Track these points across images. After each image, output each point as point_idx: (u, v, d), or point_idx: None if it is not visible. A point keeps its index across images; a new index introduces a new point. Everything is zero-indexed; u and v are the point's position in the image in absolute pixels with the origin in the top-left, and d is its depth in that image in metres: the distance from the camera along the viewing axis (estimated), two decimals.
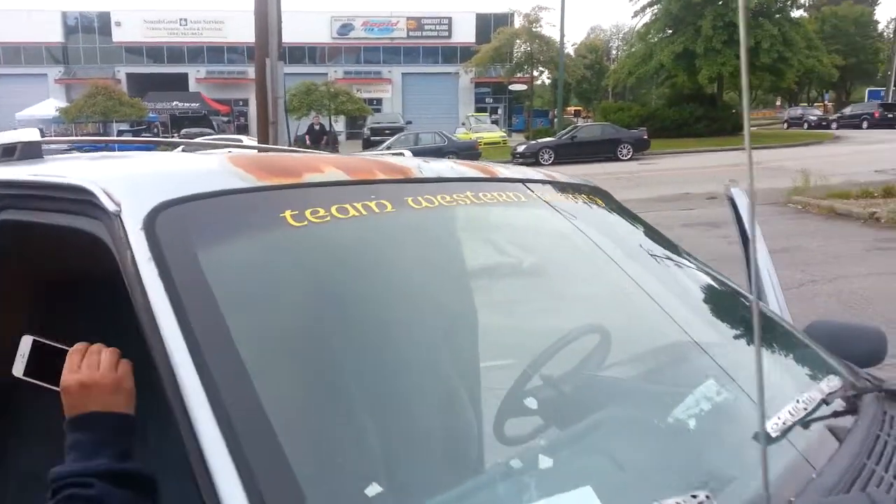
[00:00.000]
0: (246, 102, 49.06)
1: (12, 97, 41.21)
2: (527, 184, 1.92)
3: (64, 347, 1.27)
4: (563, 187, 2.07)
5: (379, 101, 49.60)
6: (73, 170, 1.47)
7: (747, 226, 2.71)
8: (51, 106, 37.11)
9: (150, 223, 1.20)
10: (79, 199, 1.30)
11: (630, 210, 2.26)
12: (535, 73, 40.15)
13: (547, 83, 51.82)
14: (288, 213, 1.34)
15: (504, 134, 37.69)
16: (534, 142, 26.50)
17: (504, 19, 47.60)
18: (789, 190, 13.53)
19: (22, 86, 45.08)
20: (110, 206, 1.22)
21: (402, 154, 2.50)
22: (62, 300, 1.95)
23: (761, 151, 25.48)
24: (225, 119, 43.17)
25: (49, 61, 50.38)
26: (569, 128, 28.16)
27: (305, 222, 1.34)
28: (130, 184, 1.31)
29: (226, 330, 1.08)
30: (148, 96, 38.83)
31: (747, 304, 1.90)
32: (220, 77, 50.43)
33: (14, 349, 1.33)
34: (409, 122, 38.25)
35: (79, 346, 1.19)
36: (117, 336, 1.33)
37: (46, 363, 1.30)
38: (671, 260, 2.03)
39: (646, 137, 25.39)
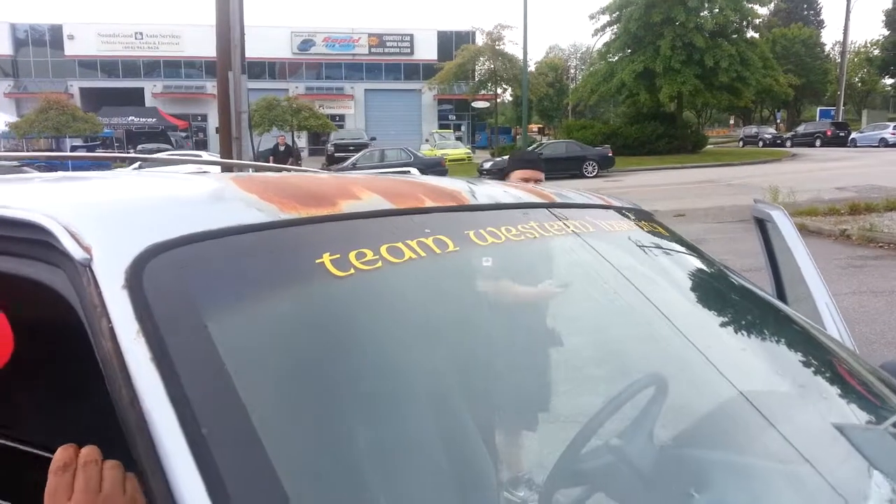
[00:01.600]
0: (204, 118, 48.10)
1: None
2: (586, 209, 1.60)
3: (37, 453, 0.88)
4: (623, 213, 1.76)
5: (342, 117, 49.13)
6: (23, 197, 1.09)
7: (791, 246, 2.43)
8: (0, 121, 35.71)
9: (136, 278, 0.83)
10: (29, 238, 0.92)
11: (684, 238, 1.96)
12: (499, 91, 40.18)
13: (508, 101, 52.03)
14: (327, 258, 0.98)
15: (469, 151, 37.59)
16: (500, 158, 26.37)
17: (465, 37, 47.69)
18: None
19: None
20: (76, 253, 0.85)
21: (408, 171, 2.16)
22: (12, 364, 1.54)
23: (723, 168, 25.84)
24: (183, 135, 42.15)
25: None
26: (534, 145, 28.15)
27: (351, 270, 0.99)
28: (105, 219, 0.93)
29: (260, 453, 0.71)
30: (102, 111, 37.63)
31: (826, 347, 1.61)
32: (178, 92, 49.33)
33: None
34: (373, 139, 37.86)
35: (64, 454, 0.80)
36: (86, 414, 0.95)
37: (7, 474, 0.90)
38: (738, 294, 1.74)
39: (610, 155, 25.50)
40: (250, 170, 3.18)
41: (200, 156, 23.95)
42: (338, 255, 0.99)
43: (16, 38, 49.50)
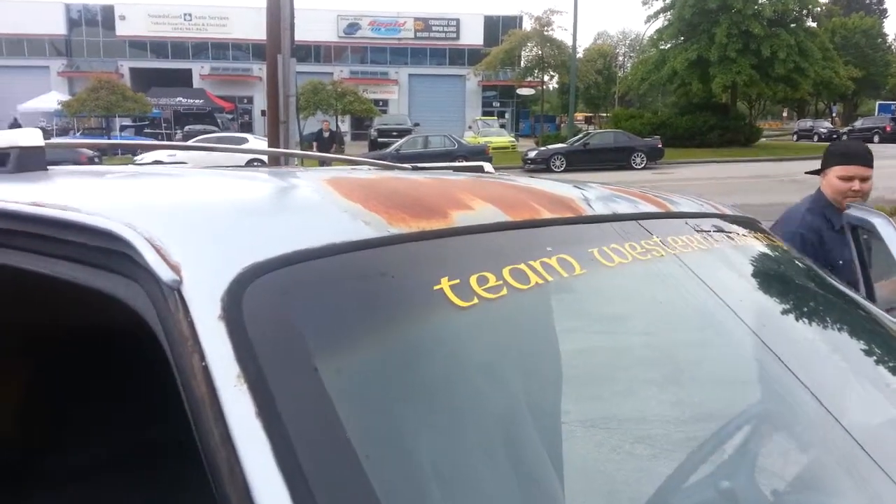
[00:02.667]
0: (250, 100, 48.53)
1: (15, 89, 40.61)
2: (701, 218, 1.42)
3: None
4: (734, 223, 1.58)
5: (385, 102, 49.03)
6: (93, 198, 0.95)
7: None
8: (53, 99, 36.48)
9: (235, 306, 0.69)
10: (104, 247, 0.78)
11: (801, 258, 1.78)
12: (546, 78, 39.58)
13: (554, 88, 51.29)
14: (447, 284, 0.82)
15: (513, 139, 37.16)
16: (544, 148, 25.99)
17: (512, 22, 47.06)
18: None
19: (25, 78, 44.50)
20: (163, 273, 0.70)
21: (481, 167, 1.99)
22: (66, 363, 1.43)
23: (778, 163, 25.02)
24: (229, 117, 42.52)
25: (52, 54, 49.78)
26: (580, 134, 27.67)
27: (475, 300, 0.82)
28: (196, 231, 0.79)
29: None
30: (151, 91, 38.13)
31: None
32: (225, 74, 49.82)
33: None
34: (416, 125, 37.67)
35: None
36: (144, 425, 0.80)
37: None
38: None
39: (660, 146, 24.89)
40: (290, 159, 3.02)
41: (246, 139, 24.10)
42: (457, 281, 0.83)
43: (69, 18, 50.50)
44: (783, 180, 18.95)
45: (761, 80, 30.98)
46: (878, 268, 2.51)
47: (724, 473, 1.12)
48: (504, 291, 0.85)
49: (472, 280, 0.84)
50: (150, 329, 0.74)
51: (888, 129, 37.19)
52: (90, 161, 17.41)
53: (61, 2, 49.76)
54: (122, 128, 32.22)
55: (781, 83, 31.57)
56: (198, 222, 0.82)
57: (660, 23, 34.92)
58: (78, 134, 31.31)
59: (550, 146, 26.18)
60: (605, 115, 51.95)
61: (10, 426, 1.37)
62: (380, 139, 33.10)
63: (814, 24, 34.34)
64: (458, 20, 51.74)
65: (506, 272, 0.88)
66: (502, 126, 43.04)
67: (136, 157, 20.16)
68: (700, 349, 1.21)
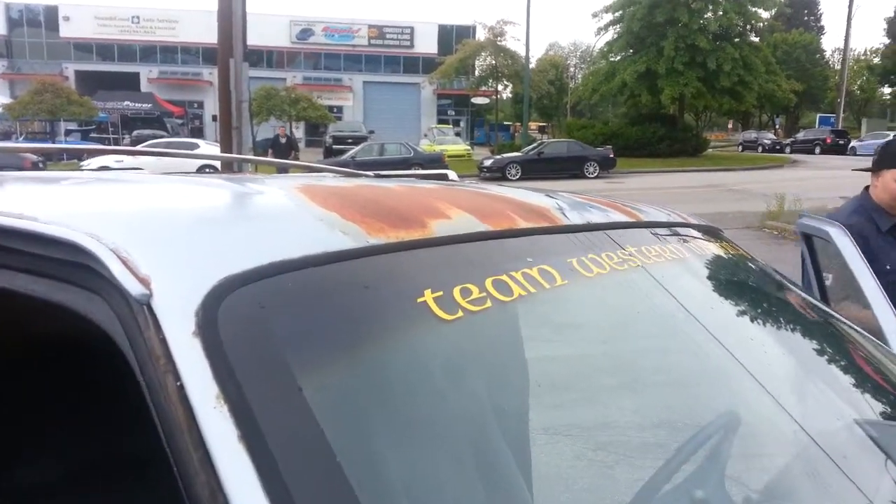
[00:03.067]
0: (201, 105, 47.65)
1: None
2: (669, 227, 1.43)
3: None
4: (701, 231, 1.59)
5: (339, 108, 48.73)
6: (50, 206, 0.90)
7: (852, 265, 2.26)
8: None
9: (209, 321, 0.65)
10: (65, 259, 0.73)
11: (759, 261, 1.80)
12: (500, 87, 39.92)
13: (508, 97, 51.76)
14: (430, 296, 0.80)
15: (468, 147, 37.33)
16: (500, 156, 26.15)
17: (466, 31, 47.37)
18: (763, 214, 13.44)
19: None
20: (131, 287, 0.66)
21: (445, 175, 1.98)
22: (29, 379, 1.36)
23: (724, 173, 25.71)
24: (179, 121, 41.64)
25: None
26: (535, 143, 27.96)
27: (459, 313, 0.80)
28: (166, 242, 0.75)
29: None
30: (98, 95, 37.03)
31: None
32: (174, 78, 48.80)
33: None
34: (371, 132, 37.53)
35: None
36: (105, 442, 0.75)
37: None
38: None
39: (612, 156, 25.32)
40: (244, 165, 2.94)
41: (197, 145, 23.61)
42: (441, 293, 0.81)
43: (10, 18, 48.81)
44: (731, 189, 19.51)
45: (708, 92, 31.84)
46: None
47: (696, 482, 1.12)
48: (488, 303, 0.83)
49: (456, 292, 0.82)
50: (114, 344, 0.70)
51: (828, 140, 38.66)
52: (34, 166, 16.74)
53: (1, 1, 48.07)
54: (68, 132, 31.23)
55: (727, 95, 32.49)
56: (166, 232, 0.78)
57: (610, 35, 35.61)
58: (21, 138, 30.20)
59: (506, 155, 26.37)
60: (557, 125, 52.63)
61: None
62: (335, 146, 32.84)
63: (756, 39, 35.49)
64: (412, 28, 51.84)
65: (488, 283, 0.86)
66: (457, 134, 43.25)
67: (82, 163, 19.49)
68: (679, 356, 1.21)
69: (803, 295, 1.71)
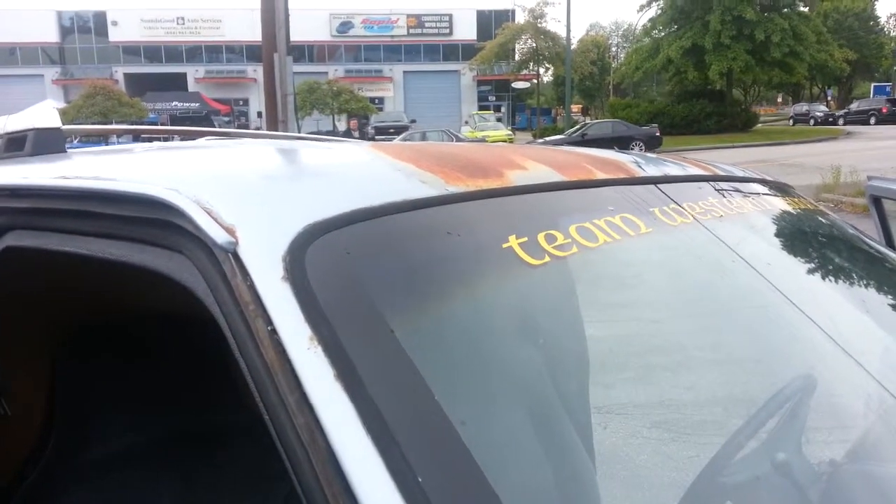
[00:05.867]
0: (246, 102, 48.43)
1: (11, 98, 40.45)
2: (746, 182, 1.37)
3: None
4: (775, 187, 1.54)
5: (381, 99, 48.93)
6: (127, 171, 0.90)
7: None
8: (49, 107, 36.31)
9: (297, 267, 0.63)
10: (144, 217, 0.72)
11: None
12: (541, 71, 39.50)
13: (548, 81, 51.17)
14: (515, 242, 0.77)
15: (509, 132, 37.10)
16: (543, 140, 25.94)
17: (505, 15, 46.93)
18: (818, 187, 13.00)
19: (19, 87, 44.36)
20: (216, 235, 0.65)
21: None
22: (103, 348, 1.38)
23: (774, 148, 24.97)
24: (226, 119, 42.43)
25: (45, 62, 49.61)
26: (578, 125, 27.63)
27: (546, 258, 0.77)
28: (248, 193, 0.73)
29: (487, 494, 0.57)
30: (147, 96, 38.03)
31: None
32: (219, 76, 49.70)
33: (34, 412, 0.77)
34: (413, 121, 37.59)
35: None
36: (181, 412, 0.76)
37: None
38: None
39: (658, 134, 24.84)
40: None
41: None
42: (525, 239, 0.78)
43: (62, 26, 50.32)
44: (783, 164, 18.92)
45: (757, 65, 30.89)
46: None
47: (774, 445, 1.08)
48: (574, 249, 0.81)
49: (541, 238, 0.80)
50: (188, 309, 0.69)
51: (884, 110, 37.12)
52: None
53: (52, 9, 49.55)
54: (120, 134, 32.09)
55: (777, 68, 31.47)
56: (247, 185, 0.77)
57: (652, 11, 34.84)
58: (75, 141, 31.23)
59: (549, 138, 26.13)
60: (600, 105, 51.83)
61: (41, 416, 1.32)
62: (377, 137, 33.02)
63: (806, 9, 34.23)
64: (450, 15, 51.62)
65: (572, 230, 0.84)
66: (499, 120, 42.97)
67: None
68: (759, 311, 1.16)
69: (886, 252, 1.64)
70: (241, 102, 49.08)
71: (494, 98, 52.02)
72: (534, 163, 0.98)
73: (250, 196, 0.74)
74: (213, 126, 36.62)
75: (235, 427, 1.44)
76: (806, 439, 1.11)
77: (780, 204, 1.44)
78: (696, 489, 0.91)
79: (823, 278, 1.39)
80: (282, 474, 0.59)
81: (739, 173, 1.47)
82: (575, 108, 51.82)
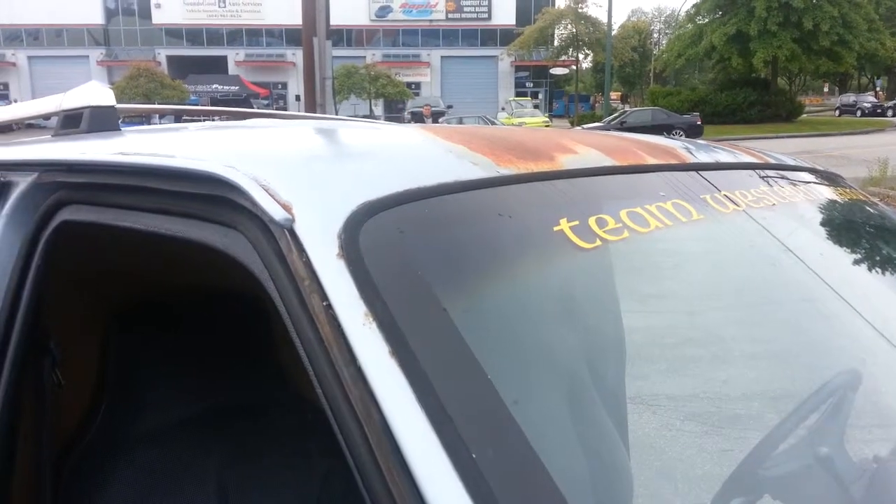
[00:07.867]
0: (284, 86, 48.82)
1: (55, 79, 41.41)
2: (796, 171, 1.34)
3: None
4: (824, 177, 1.51)
5: (418, 84, 48.88)
6: (183, 148, 0.92)
7: None
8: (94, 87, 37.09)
9: (352, 244, 0.64)
10: (206, 194, 0.74)
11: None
12: (580, 57, 38.99)
13: (587, 67, 50.50)
14: (566, 225, 0.77)
15: (547, 119, 36.79)
16: (579, 128, 25.69)
17: (544, 1, 46.41)
18: (864, 180, 12.65)
19: (65, 68, 45.41)
20: (274, 212, 0.66)
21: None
22: (154, 322, 1.42)
23: (819, 139, 24.34)
24: (265, 102, 42.89)
25: (90, 43, 50.61)
26: (617, 113, 27.28)
27: (597, 242, 0.77)
28: (303, 170, 0.75)
29: (542, 473, 0.57)
30: (189, 79, 38.61)
31: None
32: (259, 60, 50.16)
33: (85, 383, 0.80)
34: (449, 107, 37.52)
35: None
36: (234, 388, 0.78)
37: None
38: None
39: (699, 123, 24.40)
40: None
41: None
42: (577, 222, 0.78)
43: (106, 8, 51.24)
44: (828, 155, 18.43)
45: (803, 53, 30.02)
46: None
47: (817, 440, 1.06)
48: (626, 234, 0.80)
49: (592, 222, 0.79)
50: (241, 285, 0.71)
51: None
52: None
53: None
54: (162, 115, 32.67)
55: (824, 56, 30.55)
56: (303, 163, 0.78)
57: None
58: (119, 122, 31.89)
59: (586, 125, 25.86)
60: (640, 93, 51.00)
61: (92, 388, 1.37)
62: (413, 122, 33.05)
63: None
64: (489, 0, 51.22)
65: (623, 215, 0.83)
66: (536, 106, 42.60)
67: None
68: (808, 301, 1.14)
69: None
70: (279, 86, 49.50)
71: (532, 84, 51.56)
72: (584, 147, 0.97)
73: (306, 174, 0.75)
74: (253, 109, 37.05)
75: (278, 403, 1.47)
76: (849, 435, 1.10)
77: (831, 194, 1.42)
78: (734, 479, 0.91)
79: (874, 271, 1.36)
80: (324, 452, 0.60)
81: (791, 162, 1.44)
82: (614, 95, 51.09)
